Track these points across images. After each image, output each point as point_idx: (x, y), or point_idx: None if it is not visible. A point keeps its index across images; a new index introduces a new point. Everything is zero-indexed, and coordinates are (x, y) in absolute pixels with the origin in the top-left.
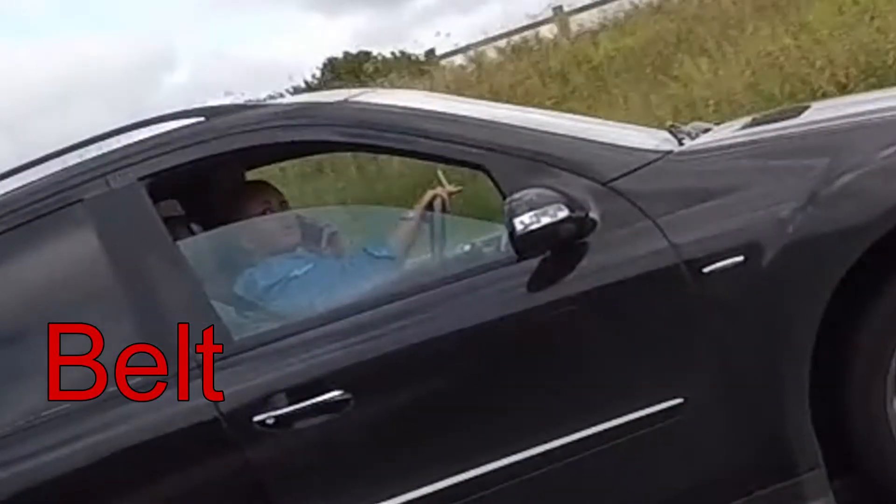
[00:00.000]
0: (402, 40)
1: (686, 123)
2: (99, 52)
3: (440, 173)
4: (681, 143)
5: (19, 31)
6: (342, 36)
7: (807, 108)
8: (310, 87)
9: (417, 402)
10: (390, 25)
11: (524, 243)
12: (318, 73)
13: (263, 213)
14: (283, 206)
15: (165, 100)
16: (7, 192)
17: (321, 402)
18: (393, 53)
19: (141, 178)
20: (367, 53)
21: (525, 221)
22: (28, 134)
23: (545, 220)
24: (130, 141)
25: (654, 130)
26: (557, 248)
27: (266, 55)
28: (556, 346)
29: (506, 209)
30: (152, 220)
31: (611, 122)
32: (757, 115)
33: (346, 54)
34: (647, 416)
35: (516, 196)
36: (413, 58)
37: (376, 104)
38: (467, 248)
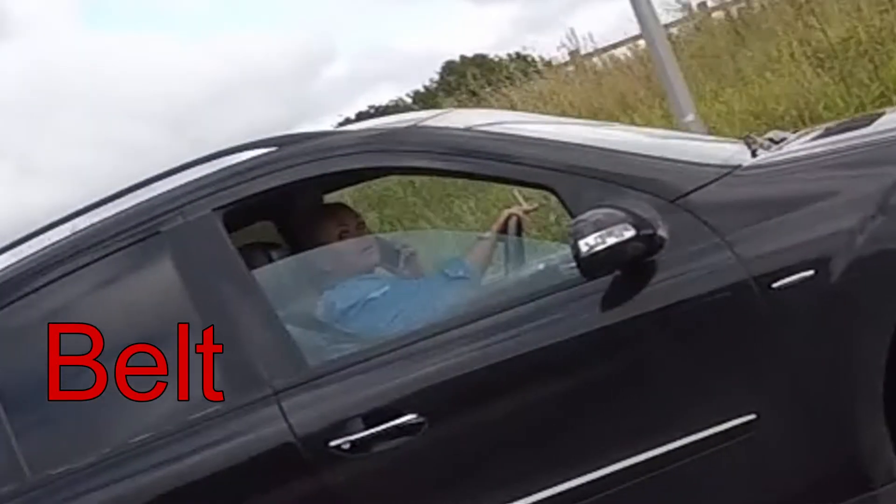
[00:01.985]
0: (555, 28)
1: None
2: (261, 49)
3: (516, 192)
4: (754, 155)
5: (187, 31)
6: (496, 25)
7: (881, 115)
8: (427, 91)
9: (491, 423)
10: (541, 14)
11: (589, 264)
12: (436, 77)
13: (341, 235)
14: (361, 227)
15: (324, 91)
16: (90, 225)
17: (396, 425)
18: (509, 55)
19: (216, 209)
20: (484, 56)
21: (590, 243)
22: (197, 130)
23: (611, 241)
24: (205, 172)
25: (730, 141)
26: (626, 268)
27: (421, 46)
28: (628, 364)
29: (571, 230)
30: (227, 250)
31: (686, 134)
32: (830, 125)
33: (463, 58)
34: (721, 432)
35: (582, 217)
36: (529, 59)
37: (444, 128)
38: (542, 266)
